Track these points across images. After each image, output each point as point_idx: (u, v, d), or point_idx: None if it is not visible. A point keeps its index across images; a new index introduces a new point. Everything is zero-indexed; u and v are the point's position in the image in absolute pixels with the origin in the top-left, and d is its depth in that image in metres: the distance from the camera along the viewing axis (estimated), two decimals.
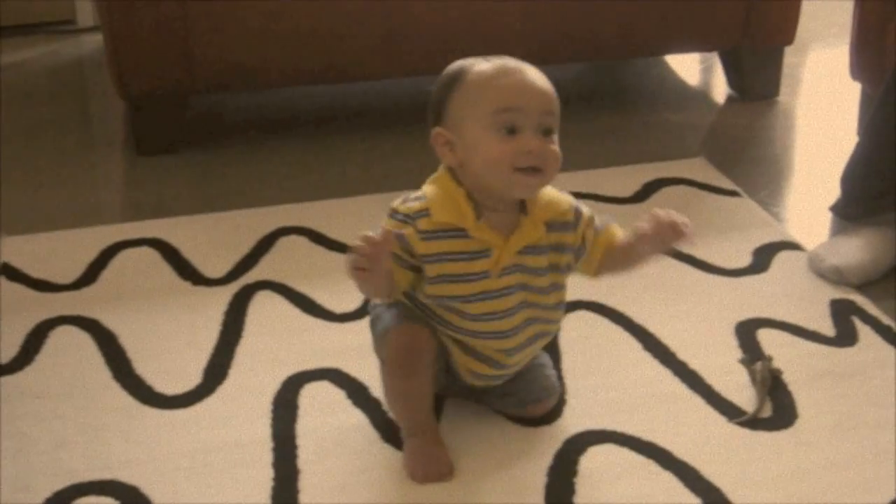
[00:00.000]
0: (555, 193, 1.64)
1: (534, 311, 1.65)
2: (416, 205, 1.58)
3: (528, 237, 1.60)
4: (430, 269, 1.58)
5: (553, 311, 1.68)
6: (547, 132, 1.55)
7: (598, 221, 1.69)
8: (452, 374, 1.72)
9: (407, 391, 1.66)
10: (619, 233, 1.70)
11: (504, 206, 1.59)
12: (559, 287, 1.67)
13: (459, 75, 1.59)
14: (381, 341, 1.68)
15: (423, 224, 1.57)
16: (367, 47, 2.75)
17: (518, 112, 1.53)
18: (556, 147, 1.56)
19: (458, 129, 1.57)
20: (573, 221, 1.65)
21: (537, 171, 1.54)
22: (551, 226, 1.63)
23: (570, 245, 1.65)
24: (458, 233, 1.57)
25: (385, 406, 1.77)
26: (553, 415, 1.78)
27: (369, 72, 2.83)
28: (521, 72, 1.57)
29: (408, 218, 1.57)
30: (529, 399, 1.76)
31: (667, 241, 1.62)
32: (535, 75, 1.58)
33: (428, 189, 1.61)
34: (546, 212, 1.62)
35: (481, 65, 1.59)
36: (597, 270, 1.70)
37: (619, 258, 1.69)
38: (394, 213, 1.59)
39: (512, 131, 1.53)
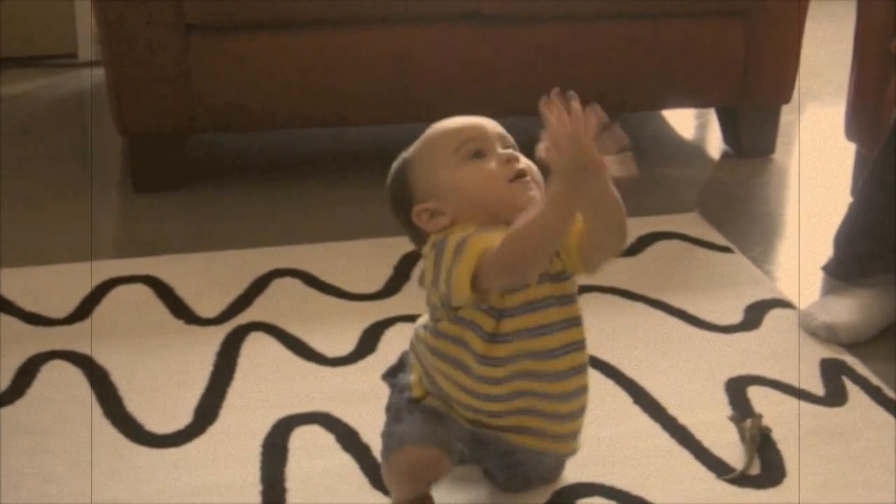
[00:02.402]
0: None
1: (572, 332, 1.57)
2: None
3: None
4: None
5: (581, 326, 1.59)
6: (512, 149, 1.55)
7: None
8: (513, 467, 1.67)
9: (405, 495, 1.62)
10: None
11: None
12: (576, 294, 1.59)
13: (406, 157, 1.60)
14: (391, 440, 1.60)
15: None
16: (369, 92, 2.77)
17: (478, 139, 1.54)
18: (525, 159, 1.55)
19: (433, 190, 1.55)
20: None
21: (528, 178, 1.53)
22: None
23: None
24: None
25: (375, 452, 1.77)
26: None
27: (370, 117, 2.85)
28: (461, 117, 1.59)
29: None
30: (539, 477, 1.71)
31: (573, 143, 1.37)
32: (473, 116, 1.59)
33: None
34: None
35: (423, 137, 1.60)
36: (582, 264, 1.55)
37: (590, 230, 1.50)
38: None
39: (480, 155, 1.53)
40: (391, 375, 1.71)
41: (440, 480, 1.61)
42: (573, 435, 1.64)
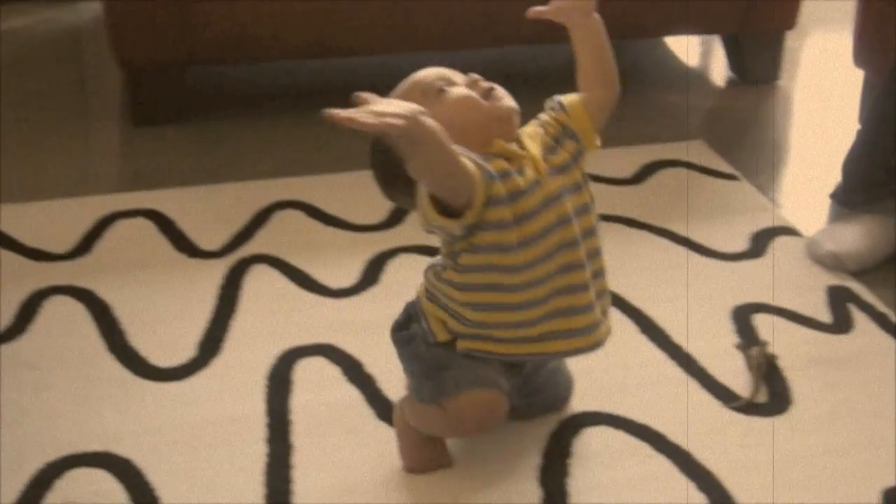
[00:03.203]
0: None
1: (585, 218, 1.57)
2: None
3: (538, 140, 1.56)
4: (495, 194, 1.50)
5: (595, 228, 1.60)
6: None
7: (553, 101, 1.62)
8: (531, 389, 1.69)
9: (423, 458, 1.64)
10: (574, 96, 1.61)
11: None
12: (585, 175, 1.60)
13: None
14: (439, 392, 1.57)
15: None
16: (370, 21, 2.74)
17: (438, 78, 1.55)
18: None
19: None
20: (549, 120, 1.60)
21: (498, 91, 1.54)
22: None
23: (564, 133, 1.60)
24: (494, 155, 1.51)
25: (380, 383, 1.76)
26: None
27: (371, 46, 2.82)
28: None
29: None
30: (558, 398, 1.74)
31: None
32: None
33: None
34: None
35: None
36: (592, 122, 1.60)
37: (589, 88, 1.60)
38: None
39: (446, 88, 1.54)
40: (401, 329, 1.66)
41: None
42: (597, 324, 1.60)
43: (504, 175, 1.48)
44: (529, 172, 1.51)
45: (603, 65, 1.59)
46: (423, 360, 1.60)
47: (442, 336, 1.58)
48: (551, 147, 1.56)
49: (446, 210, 1.45)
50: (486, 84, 1.54)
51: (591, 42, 1.58)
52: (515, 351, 1.57)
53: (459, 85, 1.55)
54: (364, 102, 1.30)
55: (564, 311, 1.56)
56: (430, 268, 1.60)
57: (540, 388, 1.71)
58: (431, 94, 1.53)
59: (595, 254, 1.60)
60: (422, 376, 1.60)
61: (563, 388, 1.77)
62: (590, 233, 1.58)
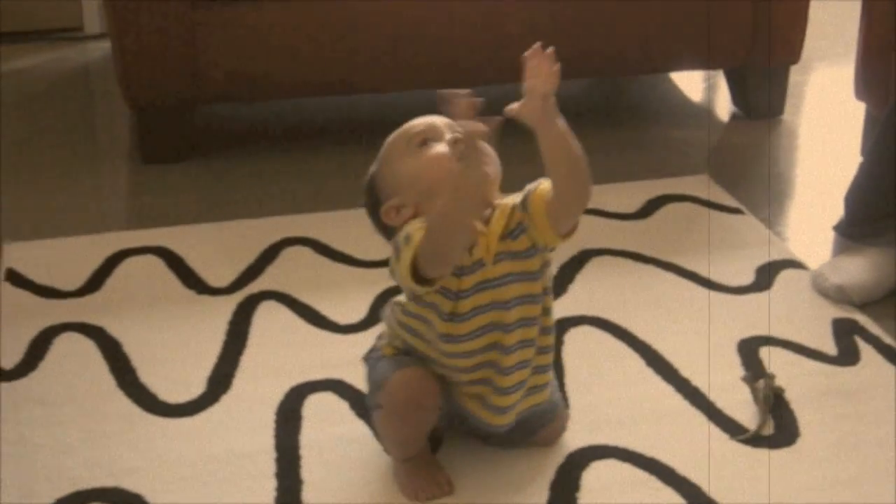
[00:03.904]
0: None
1: (527, 308, 1.58)
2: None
3: (504, 220, 1.56)
4: None
5: (546, 317, 1.62)
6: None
7: (525, 191, 1.58)
8: (461, 418, 1.69)
9: (405, 438, 1.65)
10: (544, 184, 1.55)
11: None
12: (546, 264, 1.61)
13: (371, 171, 1.65)
14: (377, 388, 1.63)
15: None
16: (374, 60, 2.77)
17: (426, 130, 1.59)
18: None
19: (395, 187, 1.60)
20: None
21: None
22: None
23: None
24: None
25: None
26: None
27: (376, 84, 2.84)
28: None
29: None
30: (536, 424, 1.72)
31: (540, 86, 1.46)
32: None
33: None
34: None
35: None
36: (555, 230, 1.55)
37: (555, 194, 1.52)
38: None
39: (428, 142, 1.58)
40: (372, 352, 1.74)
41: (435, 419, 1.63)
42: (508, 409, 1.64)
43: None
44: (477, 251, 1.55)
45: (569, 172, 1.49)
46: (370, 373, 1.68)
47: (387, 351, 1.66)
48: (512, 231, 1.57)
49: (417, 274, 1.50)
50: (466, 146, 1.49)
51: (555, 148, 1.48)
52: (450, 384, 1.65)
53: (441, 142, 1.57)
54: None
55: (489, 382, 1.62)
56: (395, 301, 1.67)
57: (474, 429, 1.71)
58: (413, 146, 1.59)
59: (528, 344, 1.61)
60: (369, 388, 1.67)
61: (541, 414, 1.72)
62: (530, 322, 1.60)
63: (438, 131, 1.59)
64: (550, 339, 1.65)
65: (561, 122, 1.47)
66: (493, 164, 1.56)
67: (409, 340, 1.63)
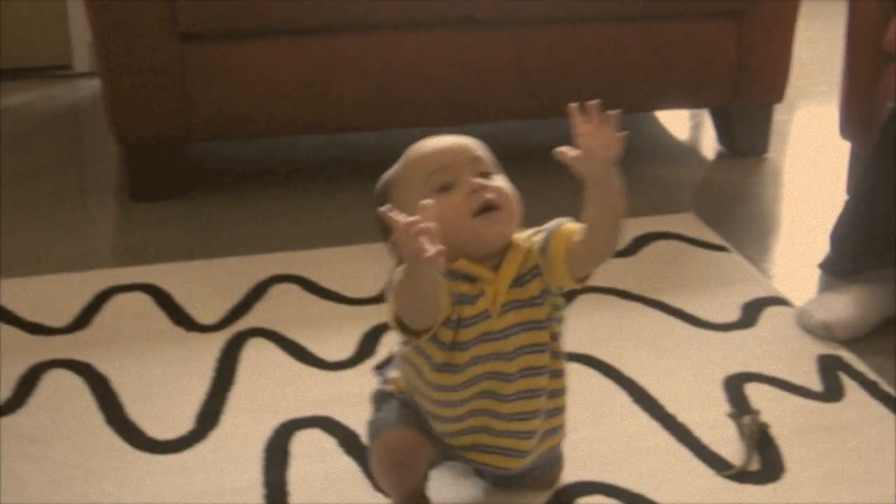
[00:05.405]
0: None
1: (532, 357, 1.56)
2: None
3: (516, 266, 1.54)
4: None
5: (556, 360, 1.60)
6: (484, 176, 1.53)
7: (546, 231, 1.55)
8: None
9: (394, 490, 1.64)
10: (572, 227, 1.52)
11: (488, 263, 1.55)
12: (556, 308, 1.58)
13: (387, 178, 1.61)
14: (374, 433, 1.63)
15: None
16: (364, 99, 2.78)
17: (447, 168, 1.52)
18: (500, 182, 1.54)
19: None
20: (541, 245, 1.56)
21: (495, 209, 1.51)
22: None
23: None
24: (459, 275, 1.52)
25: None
26: None
27: (365, 123, 2.86)
28: (438, 138, 1.58)
29: None
30: (531, 474, 1.70)
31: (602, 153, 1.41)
32: (452, 136, 1.58)
33: None
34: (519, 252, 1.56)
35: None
36: (572, 274, 1.52)
37: (589, 242, 1.49)
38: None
39: (447, 188, 1.52)
40: (381, 367, 1.76)
41: (428, 469, 1.63)
42: (523, 453, 1.62)
43: (460, 299, 1.51)
44: (483, 302, 1.52)
45: (612, 224, 1.47)
46: (373, 399, 1.69)
47: (394, 387, 1.66)
48: (523, 277, 1.54)
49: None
50: (486, 196, 1.50)
51: (607, 204, 1.45)
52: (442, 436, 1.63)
53: (458, 190, 1.51)
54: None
55: (488, 429, 1.60)
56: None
57: (482, 472, 1.71)
58: (430, 185, 1.52)
59: (533, 395, 1.58)
60: (370, 423, 1.67)
61: (538, 462, 1.70)
62: (535, 371, 1.57)
63: (459, 173, 1.52)
64: (562, 383, 1.62)
65: (617, 181, 1.43)
66: (504, 219, 1.52)
67: (408, 380, 1.63)
